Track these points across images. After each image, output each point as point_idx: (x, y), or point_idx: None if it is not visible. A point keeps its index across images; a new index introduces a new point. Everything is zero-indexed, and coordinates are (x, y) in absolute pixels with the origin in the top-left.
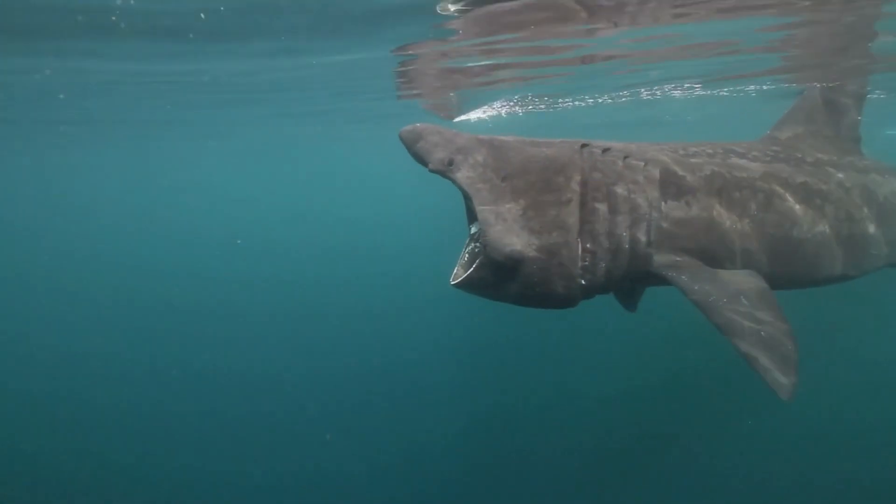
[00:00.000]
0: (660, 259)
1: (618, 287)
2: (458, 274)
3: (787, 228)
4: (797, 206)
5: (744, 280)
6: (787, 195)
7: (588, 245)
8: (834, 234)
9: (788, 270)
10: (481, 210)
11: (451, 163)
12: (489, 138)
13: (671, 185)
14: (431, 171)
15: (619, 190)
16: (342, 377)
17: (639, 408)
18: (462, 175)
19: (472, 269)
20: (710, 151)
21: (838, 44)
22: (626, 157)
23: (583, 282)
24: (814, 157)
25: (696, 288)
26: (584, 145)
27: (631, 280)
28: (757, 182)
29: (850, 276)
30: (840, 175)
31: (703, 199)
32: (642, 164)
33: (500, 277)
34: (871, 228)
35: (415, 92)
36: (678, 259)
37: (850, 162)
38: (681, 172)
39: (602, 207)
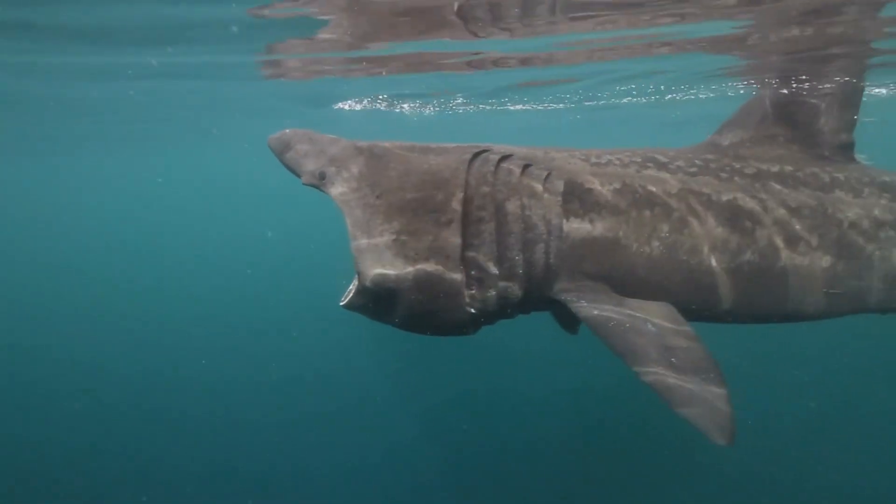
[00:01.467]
0: (560, 284)
1: (522, 312)
2: (347, 295)
3: (704, 255)
4: (718, 229)
5: (653, 308)
6: (708, 215)
7: (474, 272)
8: (765, 264)
9: (706, 305)
10: (352, 233)
11: (323, 176)
12: (370, 145)
13: (575, 200)
14: (305, 184)
15: (512, 207)
16: (290, 384)
17: (616, 402)
18: (335, 191)
19: (351, 294)
20: (625, 160)
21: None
22: (526, 167)
23: (472, 310)
24: (755, 169)
25: (594, 312)
26: (480, 152)
27: (534, 306)
28: (673, 198)
29: (798, 318)
30: (786, 191)
31: (608, 216)
32: (545, 174)
33: (380, 305)
34: (824, 261)
35: (280, 71)
36: (581, 284)
37: (812, 174)
38: (587, 185)
39: (489, 228)
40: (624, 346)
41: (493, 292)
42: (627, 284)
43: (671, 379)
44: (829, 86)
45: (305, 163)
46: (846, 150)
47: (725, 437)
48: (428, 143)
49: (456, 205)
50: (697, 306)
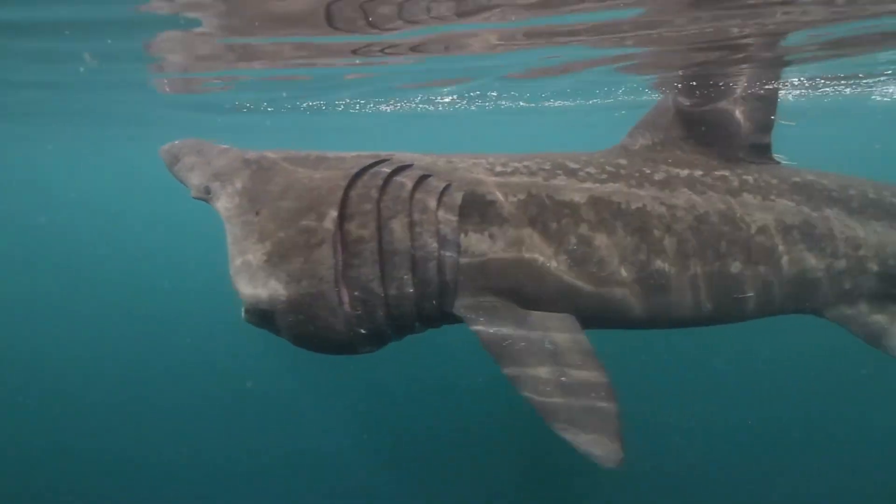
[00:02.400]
0: (461, 301)
1: (430, 327)
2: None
3: (614, 267)
4: (627, 239)
5: (553, 322)
6: (617, 225)
7: (356, 293)
8: (674, 273)
9: (617, 315)
10: (230, 251)
11: (208, 191)
12: (259, 157)
13: (474, 214)
14: (193, 198)
15: (397, 224)
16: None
17: None
18: (220, 206)
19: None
20: (533, 168)
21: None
22: (424, 178)
23: (362, 331)
24: (665, 174)
25: (491, 331)
26: (373, 164)
27: (441, 321)
28: (582, 209)
29: (709, 323)
30: (694, 197)
31: (511, 231)
32: (442, 186)
33: (266, 324)
34: (733, 267)
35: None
36: (482, 301)
37: (721, 178)
38: (489, 197)
39: (370, 247)
40: (513, 369)
41: (380, 312)
42: (534, 299)
43: (557, 400)
44: (742, 85)
45: (191, 176)
46: (762, 152)
47: (612, 460)
48: (326, 153)
49: (329, 224)
50: (608, 316)
